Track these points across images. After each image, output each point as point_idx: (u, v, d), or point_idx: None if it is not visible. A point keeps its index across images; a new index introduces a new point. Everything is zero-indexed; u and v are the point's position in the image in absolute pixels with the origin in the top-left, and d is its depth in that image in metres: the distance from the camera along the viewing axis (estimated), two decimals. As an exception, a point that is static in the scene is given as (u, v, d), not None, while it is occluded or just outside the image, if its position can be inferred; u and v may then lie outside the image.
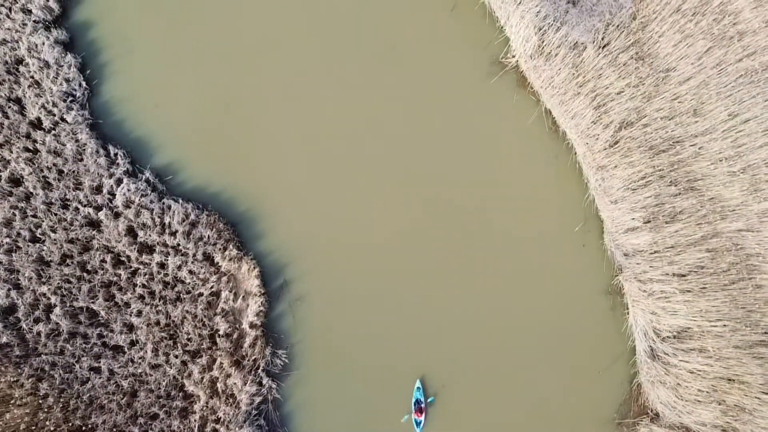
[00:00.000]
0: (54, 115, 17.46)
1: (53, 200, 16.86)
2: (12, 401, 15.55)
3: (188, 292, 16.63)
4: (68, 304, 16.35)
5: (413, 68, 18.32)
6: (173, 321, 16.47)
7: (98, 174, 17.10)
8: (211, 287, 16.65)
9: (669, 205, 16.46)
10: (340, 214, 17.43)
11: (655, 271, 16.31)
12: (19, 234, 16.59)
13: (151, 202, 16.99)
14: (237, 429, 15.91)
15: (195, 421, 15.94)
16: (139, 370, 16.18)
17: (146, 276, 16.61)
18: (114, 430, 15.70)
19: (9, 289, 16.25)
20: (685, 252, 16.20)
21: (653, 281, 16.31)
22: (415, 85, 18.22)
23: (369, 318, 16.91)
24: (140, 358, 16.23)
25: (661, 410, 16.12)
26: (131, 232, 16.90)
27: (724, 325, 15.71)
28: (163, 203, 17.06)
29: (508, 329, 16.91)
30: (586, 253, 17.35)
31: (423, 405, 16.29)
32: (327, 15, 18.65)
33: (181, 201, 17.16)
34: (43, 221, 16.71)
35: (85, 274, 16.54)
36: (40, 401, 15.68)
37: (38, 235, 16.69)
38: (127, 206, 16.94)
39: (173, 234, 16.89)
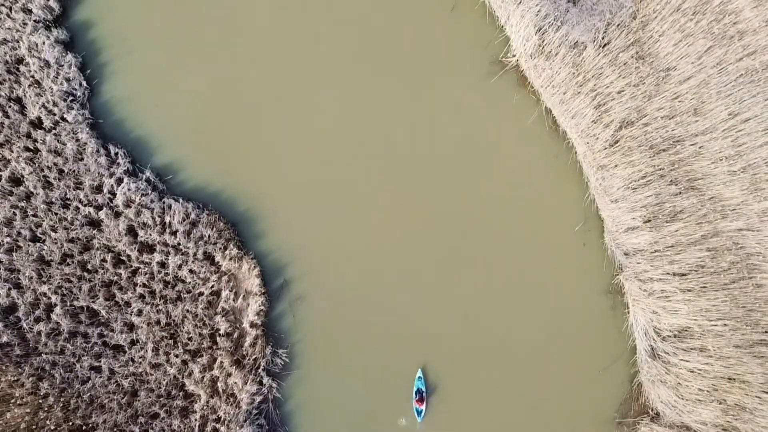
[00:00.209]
0: (54, 114, 17.47)
1: (54, 200, 16.87)
2: (12, 400, 15.55)
3: (189, 292, 16.64)
4: (69, 304, 16.35)
5: (413, 68, 18.33)
6: (174, 320, 16.48)
7: (99, 173, 17.11)
8: (212, 286, 16.66)
9: (669, 204, 16.45)
10: (340, 214, 17.44)
11: (655, 270, 16.30)
12: (19, 233, 16.60)
13: (152, 201, 16.99)
14: (237, 428, 15.91)
15: (195, 420, 15.94)
16: (140, 370, 16.18)
17: (147, 275, 16.61)
18: (114, 429, 15.70)
19: (9, 289, 16.26)
20: (685, 251, 16.19)
21: (654, 280, 16.31)
22: (415, 85, 18.22)
23: (369, 318, 16.91)
24: (141, 357, 16.23)
25: (662, 409, 16.12)
26: (132, 231, 16.90)
27: (725, 324, 15.71)
28: (164, 202, 17.07)
29: (509, 329, 16.90)
30: (586, 252, 17.35)
31: (424, 394, 16.28)
32: (327, 15, 18.66)
33: (181, 200, 17.17)
34: (43, 221, 16.72)
35: (85, 274, 16.55)
36: (41, 400, 15.69)
37: (39, 235, 16.69)
38: (127, 205, 16.95)
39: (174, 233, 16.89)
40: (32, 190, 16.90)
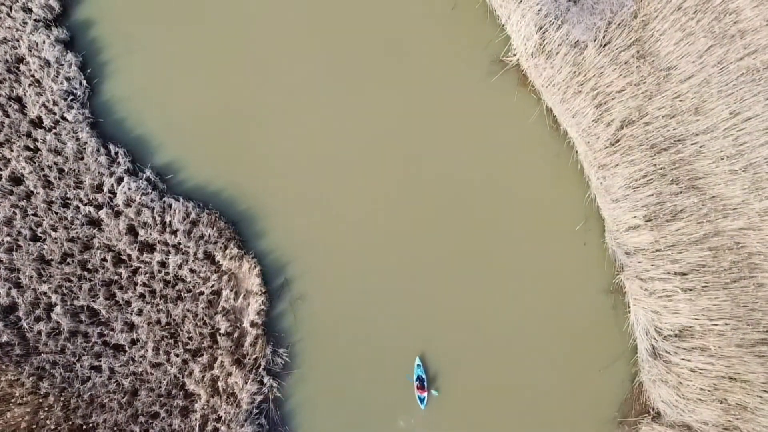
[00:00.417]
0: (55, 113, 17.45)
1: (54, 199, 16.85)
2: (13, 400, 15.53)
3: (189, 291, 16.62)
4: (69, 303, 16.33)
5: (414, 67, 18.31)
6: (174, 320, 16.46)
7: (99, 173, 17.09)
8: (212, 286, 16.64)
9: (670, 203, 16.43)
10: (341, 213, 17.42)
11: (656, 269, 16.28)
12: (19, 233, 16.58)
13: (152, 200, 16.97)
14: (238, 428, 15.90)
15: (196, 419, 15.92)
16: (140, 369, 16.16)
17: (147, 275, 16.60)
18: (115, 428, 15.68)
19: (10, 288, 16.24)
20: (686, 250, 16.17)
21: (654, 280, 16.29)
22: (416, 84, 18.20)
23: (370, 317, 16.89)
24: (141, 356, 16.21)
25: (663, 409, 16.10)
26: (132, 230, 16.88)
27: (726, 324, 15.68)
28: (164, 202, 17.05)
29: (509, 328, 16.88)
30: (587, 251, 17.33)
31: (425, 382, 16.30)
32: (327, 14, 18.64)
33: (181, 199, 17.15)
34: (43, 220, 16.70)
35: (85, 273, 16.53)
36: (41, 400, 15.67)
37: (39, 234, 16.68)
38: (127, 205, 16.93)
39: (174, 233, 16.87)
40: (32, 189, 16.88)
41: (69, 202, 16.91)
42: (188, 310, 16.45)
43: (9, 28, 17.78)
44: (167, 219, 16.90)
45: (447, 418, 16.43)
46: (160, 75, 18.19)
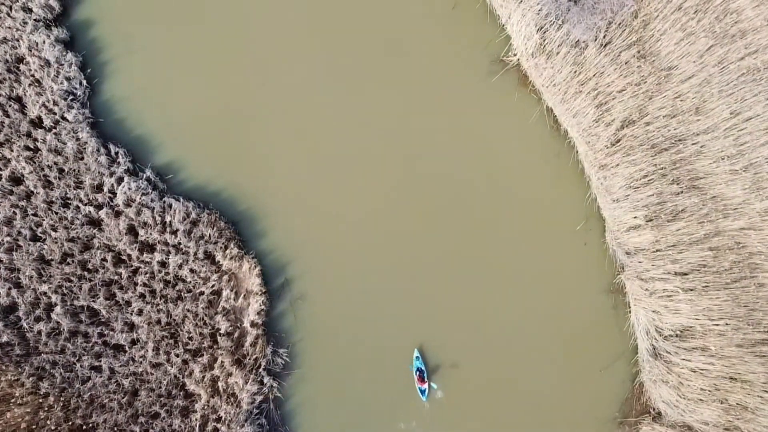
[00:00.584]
0: (55, 113, 17.43)
1: (54, 199, 16.83)
2: (13, 400, 15.51)
3: (189, 291, 16.61)
4: (69, 303, 16.32)
5: (414, 67, 18.30)
6: (174, 320, 16.44)
7: (99, 172, 17.08)
8: (212, 286, 16.62)
9: (671, 203, 16.42)
10: (341, 213, 17.41)
11: (657, 269, 16.27)
12: (19, 233, 16.56)
13: (152, 200, 16.96)
14: (238, 428, 15.88)
15: (196, 420, 15.90)
16: (140, 369, 16.14)
17: (147, 275, 16.58)
18: (115, 429, 15.67)
19: (10, 288, 16.22)
20: (687, 250, 16.16)
21: (655, 280, 16.28)
22: (416, 84, 18.19)
23: (370, 317, 16.88)
24: (141, 356, 16.20)
25: (664, 409, 16.09)
26: (132, 230, 16.87)
27: (727, 324, 15.67)
28: (164, 202, 17.04)
29: (510, 328, 16.87)
30: (587, 251, 17.32)
31: (425, 374, 16.30)
32: (327, 14, 18.63)
33: (182, 199, 17.14)
34: (43, 220, 16.68)
35: (85, 273, 16.52)
36: (41, 400, 15.65)
37: (39, 234, 16.66)
38: (127, 205, 16.91)
39: (174, 233, 16.86)
40: (32, 189, 16.86)
41: (69, 202, 16.89)
42: (188, 310, 16.44)
43: (9, 27, 17.77)
44: (167, 219, 16.88)
45: (447, 419, 16.41)
46: (160, 75, 18.18)
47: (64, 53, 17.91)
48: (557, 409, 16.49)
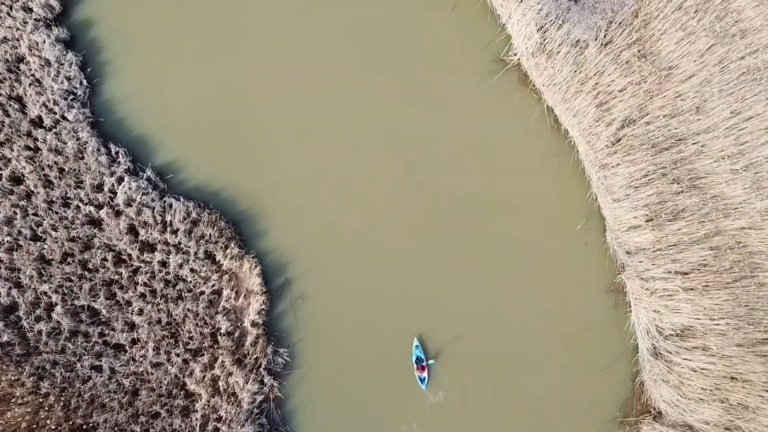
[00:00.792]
0: (55, 113, 17.43)
1: (54, 198, 16.83)
2: (13, 400, 15.51)
3: (190, 291, 16.60)
4: (69, 303, 16.31)
5: (414, 67, 18.29)
6: (174, 319, 16.44)
7: (99, 172, 17.08)
8: (213, 285, 16.62)
9: (671, 203, 16.41)
10: (341, 213, 17.40)
11: (657, 269, 16.26)
12: (20, 232, 16.57)
13: (153, 200, 16.96)
14: (238, 427, 15.88)
15: (196, 419, 15.90)
16: (141, 369, 16.14)
17: (147, 274, 16.58)
18: (115, 428, 15.67)
19: (10, 288, 16.22)
20: (687, 250, 16.15)
21: (656, 279, 16.27)
22: (416, 84, 18.19)
23: (370, 317, 16.88)
24: (141, 356, 16.20)
25: (664, 409, 16.08)
26: (132, 230, 16.86)
27: (727, 323, 15.66)
28: (165, 201, 17.03)
29: (510, 328, 16.86)
30: (588, 251, 17.31)
31: (424, 363, 16.31)
32: (327, 15, 18.63)
33: (182, 199, 17.14)
34: (44, 219, 16.68)
35: (86, 273, 16.51)
36: (41, 400, 15.65)
37: (39, 234, 16.66)
38: (128, 204, 16.91)
39: (174, 232, 16.86)
40: (33, 188, 16.86)
41: (69, 201, 16.89)
42: (189, 310, 16.43)
43: (9, 27, 17.77)
44: (168, 218, 16.88)
45: (448, 419, 16.41)
46: (161, 75, 18.18)
47: (65, 53, 17.91)
48: (557, 408, 16.49)
